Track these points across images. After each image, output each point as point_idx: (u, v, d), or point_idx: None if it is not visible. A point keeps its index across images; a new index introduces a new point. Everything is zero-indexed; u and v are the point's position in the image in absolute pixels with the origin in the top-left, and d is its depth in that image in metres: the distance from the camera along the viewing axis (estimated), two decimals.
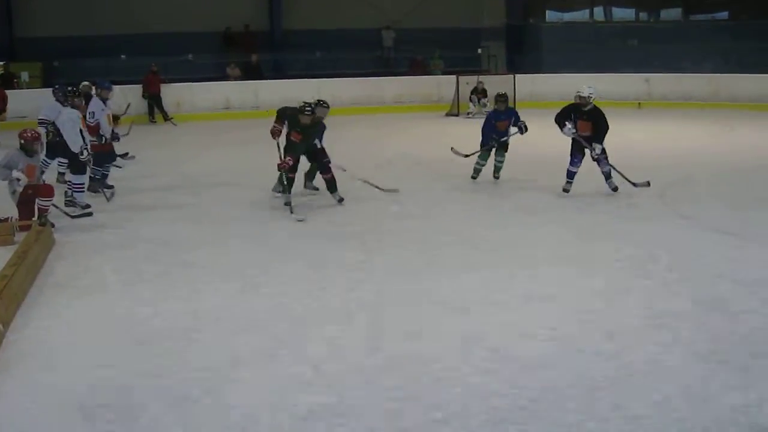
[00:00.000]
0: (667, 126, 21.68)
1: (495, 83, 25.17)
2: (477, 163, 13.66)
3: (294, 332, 6.57)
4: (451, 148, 14.33)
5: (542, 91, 26.70)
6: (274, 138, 11.70)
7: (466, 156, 13.90)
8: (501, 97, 13.89)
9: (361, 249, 9.14)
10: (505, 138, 13.49)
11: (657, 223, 10.44)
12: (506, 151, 13.56)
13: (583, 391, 5.36)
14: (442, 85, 26.12)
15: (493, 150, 13.52)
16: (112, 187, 12.57)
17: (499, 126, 13.46)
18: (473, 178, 13.64)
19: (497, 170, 13.66)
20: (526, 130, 13.32)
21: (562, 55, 28.86)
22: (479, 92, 24.54)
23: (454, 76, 25.51)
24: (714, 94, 26.47)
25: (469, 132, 20.92)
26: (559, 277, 7.99)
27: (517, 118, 13.49)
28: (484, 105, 24.43)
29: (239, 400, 5.32)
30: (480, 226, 10.37)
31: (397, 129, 21.28)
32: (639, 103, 26.45)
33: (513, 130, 13.46)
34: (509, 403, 5.20)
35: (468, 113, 24.30)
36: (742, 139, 19.04)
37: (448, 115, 24.75)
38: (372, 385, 5.49)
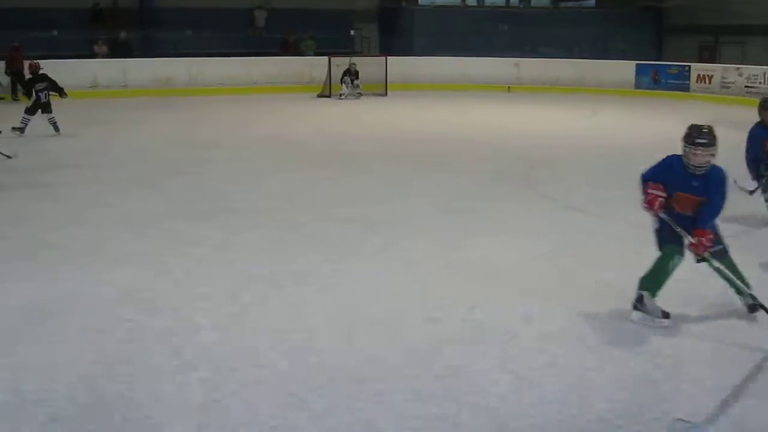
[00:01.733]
0: (535, 109, 22.14)
1: (367, 65, 25.34)
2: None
3: None
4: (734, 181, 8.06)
5: (414, 74, 26.93)
6: None
7: (751, 192, 9.15)
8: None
9: (225, 229, 8.99)
10: None
11: (517, 201, 10.59)
12: None
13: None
14: (314, 67, 26.04)
15: None
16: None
17: None
18: None
19: None
20: None
21: (434, 39, 29.12)
22: (352, 74, 24.58)
23: (326, 58, 25.46)
24: (580, 80, 27.21)
25: (340, 113, 21.12)
26: (414, 248, 8.06)
27: None
28: (357, 86, 24.53)
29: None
30: (343, 205, 10.32)
31: (268, 109, 21.11)
32: (509, 87, 26.93)
33: None
34: None
35: (340, 95, 24.31)
36: (604, 122, 19.57)
37: (319, 96, 24.69)
38: None
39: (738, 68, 25.41)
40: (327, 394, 4.96)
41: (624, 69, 26.95)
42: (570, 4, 35.04)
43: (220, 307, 6.48)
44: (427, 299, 6.65)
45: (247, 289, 6.93)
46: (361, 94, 24.48)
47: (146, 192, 11.04)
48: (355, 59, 25.23)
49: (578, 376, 5.25)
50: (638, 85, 27.12)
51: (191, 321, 6.18)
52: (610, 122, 19.66)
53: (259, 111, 20.73)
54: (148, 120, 18.83)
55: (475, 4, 33.67)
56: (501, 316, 6.30)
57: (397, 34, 30.86)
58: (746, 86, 24.73)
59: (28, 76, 17.23)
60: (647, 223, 6.29)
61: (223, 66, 25.81)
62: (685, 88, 26.15)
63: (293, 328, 6.02)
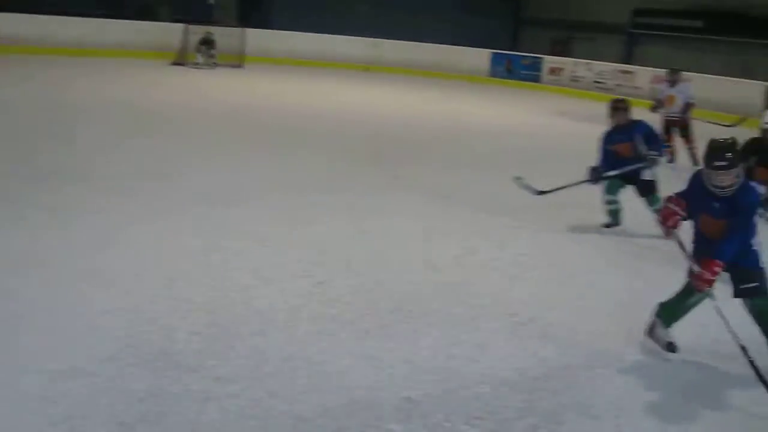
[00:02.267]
0: (391, 91, 22.30)
1: (225, 36, 25.00)
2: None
3: None
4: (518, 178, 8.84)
5: (272, 47, 26.70)
6: None
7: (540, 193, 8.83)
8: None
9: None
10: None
11: (368, 180, 10.68)
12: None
13: None
14: (170, 34, 25.47)
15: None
16: None
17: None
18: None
19: None
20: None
21: (294, 14, 28.92)
22: (208, 43, 24.23)
23: (183, 25, 24.97)
24: (437, 64, 27.57)
25: (193, 81, 20.77)
26: (269, 223, 8.01)
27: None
28: (213, 56, 24.18)
29: None
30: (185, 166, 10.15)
31: (119, 75, 20.48)
32: (367, 67, 27.03)
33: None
34: None
35: (195, 64, 23.92)
36: (456, 107, 19.83)
37: (174, 63, 24.20)
38: None
39: (588, 63, 26.21)
40: None
41: (479, 57, 27.47)
42: None
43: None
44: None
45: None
46: (216, 64, 24.12)
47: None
48: (212, 29, 24.85)
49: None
50: (492, 74, 27.64)
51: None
52: (463, 107, 19.93)
53: (111, 76, 20.06)
54: None
55: None
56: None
57: (256, 6, 30.49)
58: (595, 81, 25.54)
59: None
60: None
61: (75, 26, 24.89)
62: (537, 80, 26.83)
63: None
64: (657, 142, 8.51)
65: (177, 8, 28.01)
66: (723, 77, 21.67)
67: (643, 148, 8.29)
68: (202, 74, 22.82)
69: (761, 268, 5.25)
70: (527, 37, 33.41)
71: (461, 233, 8.14)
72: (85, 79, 18.76)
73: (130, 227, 7.59)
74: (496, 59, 28.10)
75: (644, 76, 24.13)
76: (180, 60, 24.31)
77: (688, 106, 13.04)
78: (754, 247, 5.23)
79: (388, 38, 27.98)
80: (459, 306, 6.19)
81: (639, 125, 8.47)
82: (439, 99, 21.21)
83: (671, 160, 12.69)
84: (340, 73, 25.06)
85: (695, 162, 12.13)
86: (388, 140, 13.83)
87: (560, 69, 26.39)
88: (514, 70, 27.58)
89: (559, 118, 18.22)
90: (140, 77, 20.42)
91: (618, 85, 24.90)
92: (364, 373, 4.99)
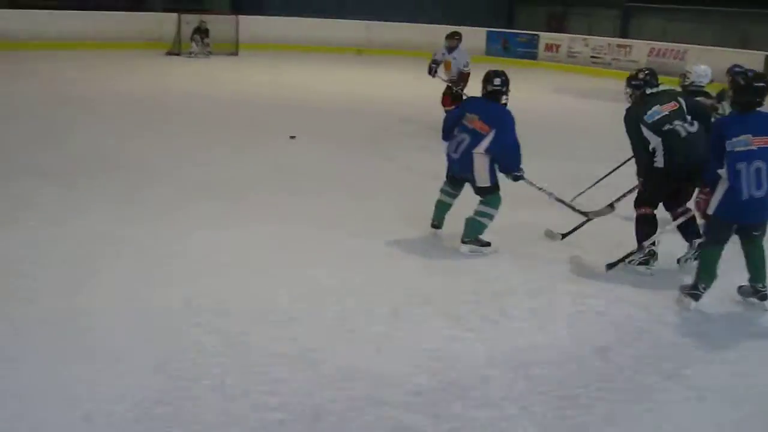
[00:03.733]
0: (384, 72, 22.17)
1: (218, 23, 24.85)
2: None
3: None
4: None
5: (265, 34, 26.54)
6: None
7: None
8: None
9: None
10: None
11: (365, 162, 10.61)
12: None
13: None
14: (163, 23, 25.28)
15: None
16: None
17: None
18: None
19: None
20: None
21: None
22: (201, 32, 24.07)
23: (176, 15, 24.79)
24: (431, 44, 27.27)
25: (190, 71, 20.62)
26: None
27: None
28: (207, 45, 24.04)
29: None
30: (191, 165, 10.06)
31: (116, 68, 20.27)
32: (359, 50, 26.86)
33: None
34: None
35: (190, 53, 23.76)
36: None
37: (168, 54, 24.02)
38: None
39: (585, 39, 26.10)
40: None
41: (475, 35, 27.19)
42: None
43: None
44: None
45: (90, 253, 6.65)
46: (211, 53, 23.96)
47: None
48: (205, 17, 24.69)
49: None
50: (489, 52, 27.46)
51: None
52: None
53: (107, 69, 19.85)
54: None
55: None
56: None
57: None
58: (592, 57, 25.43)
59: None
60: None
61: (67, 19, 24.71)
62: (534, 57, 26.71)
63: None
64: None
65: None
66: (721, 48, 21.51)
67: None
68: (198, 63, 22.65)
69: None
70: (523, 15, 33.25)
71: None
72: (82, 73, 18.62)
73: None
74: (492, 37, 27.97)
75: (641, 50, 24.04)
76: (175, 50, 24.11)
77: (461, 75, 12.87)
78: None
79: (379, 20, 27.81)
80: None
81: None
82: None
83: None
84: (334, 57, 24.88)
85: None
86: (388, 123, 13.74)
87: (557, 45, 26.26)
88: (511, 48, 27.45)
89: (559, 95, 18.14)
90: (138, 69, 20.21)
91: (614, 59, 24.80)
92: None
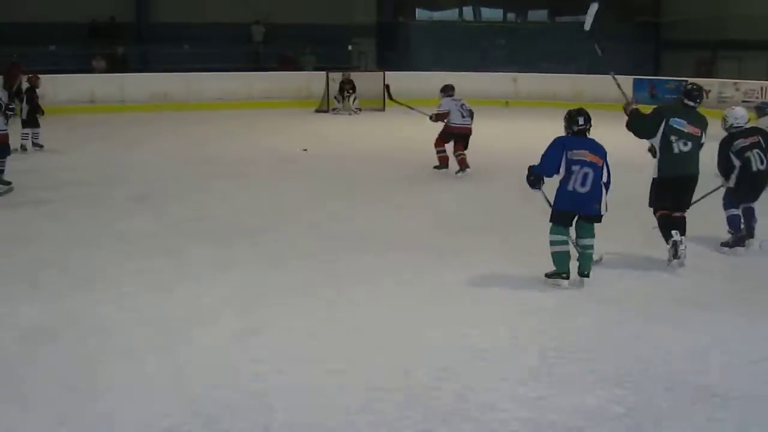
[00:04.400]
0: (531, 124, 22.13)
1: (365, 80, 25.34)
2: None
3: None
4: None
5: (412, 88, 26.90)
6: None
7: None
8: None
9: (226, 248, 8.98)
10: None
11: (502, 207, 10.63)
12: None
13: None
14: (313, 82, 25.99)
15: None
16: (9, 183, 12.06)
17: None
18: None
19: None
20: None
21: (432, 54, 29.14)
22: (346, 88, 24.49)
23: (324, 73, 25.46)
24: (578, 95, 27.16)
25: (336, 128, 21.09)
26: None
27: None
28: (354, 100, 24.41)
29: None
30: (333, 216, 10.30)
31: (267, 125, 20.96)
32: (507, 102, 26.89)
33: None
34: None
35: (333, 109, 24.31)
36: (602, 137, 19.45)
37: (317, 111, 24.63)
38: None
39: (735, 83, 25.47)
40: None
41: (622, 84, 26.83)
42: (567, 18, 35.03)
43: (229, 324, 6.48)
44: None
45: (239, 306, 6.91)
46: (359, 109, 24.35)
47: (148, 212, 10.99)
48: (353, 74, 25.18)
49: None
50: (636, 101, 26.90)
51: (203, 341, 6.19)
52: (609, 138, 19.54)
53: (263, 128, 20.53)
54: (147, 136, 18.72)
55: (472, 19, 33.68)
56: None
57: (394, 49, 30.90)
58: (743, 101, 24.76)
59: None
60: None
61: (221, 81, 25.75)
62: None
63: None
64: None
65: (317, 56, 28.69)
66: None
67: None
68: (342, 120, 23.10)
69: None
70: (669, 61, 32.69)
71: None
72: (235, 132, 19.31)
73: None
74: (638, 85, 27.57)
75: None
76: (323, 107, 24.71)
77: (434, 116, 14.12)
78: None
79: (526, 71, 27.81)
80: None
81: None
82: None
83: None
84: (480, 110, 24.93)
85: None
86: None
87: (707, 91, 25.66)
88: (658, 95, 26.99)
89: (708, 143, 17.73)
90: (291, 127, 20.79)
91: (766, 102, 24.11)
92: None
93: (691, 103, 8.54)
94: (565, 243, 7.59)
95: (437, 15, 33.46)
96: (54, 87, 22.95)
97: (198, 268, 8.13)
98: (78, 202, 11.53)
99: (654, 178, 8.36)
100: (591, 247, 7.67)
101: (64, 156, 15.82)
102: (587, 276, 7.58)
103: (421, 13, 32.93)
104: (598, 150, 7.68)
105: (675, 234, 8.01)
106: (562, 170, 7.56)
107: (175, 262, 8.39)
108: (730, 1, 28.94)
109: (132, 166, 14.73)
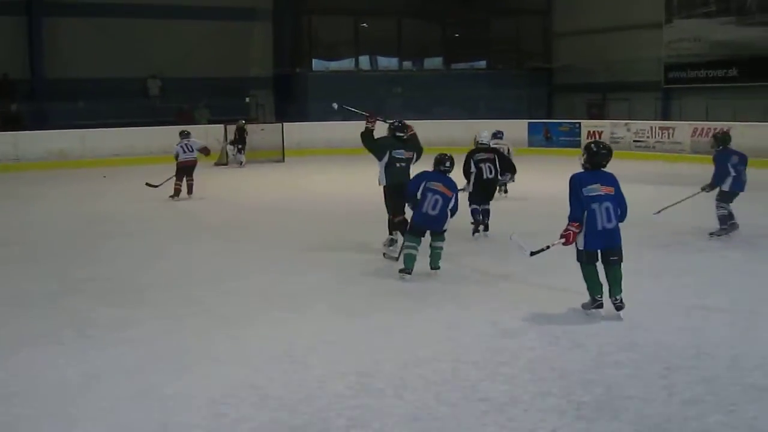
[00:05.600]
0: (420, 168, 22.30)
1: (264, 132, 25.40)
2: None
3: None
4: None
5: (310, 138, 27.07)
6: None
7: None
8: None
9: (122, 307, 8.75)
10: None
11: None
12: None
13: None
14: (210, 135, 25.80)
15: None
16: None
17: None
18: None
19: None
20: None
21: (330, 104, 29.25)
22: (238, 138, 24.61)
23: (222, 126, 25.39)
24: (468, 140, 27.53)
25: (236, 180, 20.95)
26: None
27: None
28: (241, 151, 24.49)
29: None
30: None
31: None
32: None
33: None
34: None
35: (240, 162, 24.33)
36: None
37: (217, 164, 24.47)
38: None
39: (626, 123, 26.20)
40: None
41: (516, 128, 27.21)
42: (462, 65, 35.67)
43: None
44: None
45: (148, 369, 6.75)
46: (242, 163, 24.56)
47: (40, 269, 10.71)
48: (249, 126, 25.20)
49: None
50: (531, 143, 27.64)
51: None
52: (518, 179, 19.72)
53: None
54: (42, 195, 18.30)
55: (369, 68, 33.98)
56: None
57: (292, 100, 30.97)
58: (634, 140, 25.49)
59: None
60: None
61: (118, 136, 25.47)
62: (577, 145, 26.63)
63: None
64: None
65: (215, 109, 28.60)
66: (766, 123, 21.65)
67: None
68: (242, 172, 23.01)
69: None
70: (562, 104, 33.48)
71: None
72: (129, 188, 18.95)
73: None
74: (533, 128, 28.15)
75: (685, 131, 24.04)
76: (222, 160, 24.59)
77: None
78: None
79: (423, 118, 28.08)
80: None
81: None
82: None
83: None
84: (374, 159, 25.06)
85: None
86: None
87: (599, 132, 26.28)
88: (553, 138, 27.58)
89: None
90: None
91: (658, 142, 24.82)
92: None
93: (402, 135, 11.49)
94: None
95: (334, 65, 33.65)
96: None
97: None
98: None
99: (384, 187, 11.29)
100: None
101: None
102: None
103: (317, 64, 33.04)
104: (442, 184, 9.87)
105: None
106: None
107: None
108: (617, 45, 29.78)
109: (26, 225, 14.38)
